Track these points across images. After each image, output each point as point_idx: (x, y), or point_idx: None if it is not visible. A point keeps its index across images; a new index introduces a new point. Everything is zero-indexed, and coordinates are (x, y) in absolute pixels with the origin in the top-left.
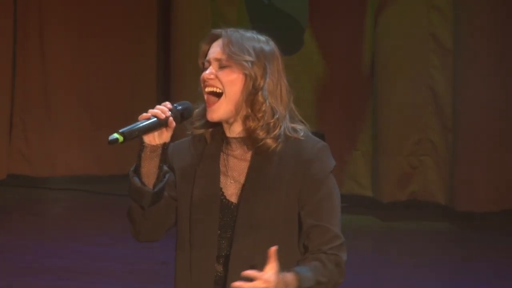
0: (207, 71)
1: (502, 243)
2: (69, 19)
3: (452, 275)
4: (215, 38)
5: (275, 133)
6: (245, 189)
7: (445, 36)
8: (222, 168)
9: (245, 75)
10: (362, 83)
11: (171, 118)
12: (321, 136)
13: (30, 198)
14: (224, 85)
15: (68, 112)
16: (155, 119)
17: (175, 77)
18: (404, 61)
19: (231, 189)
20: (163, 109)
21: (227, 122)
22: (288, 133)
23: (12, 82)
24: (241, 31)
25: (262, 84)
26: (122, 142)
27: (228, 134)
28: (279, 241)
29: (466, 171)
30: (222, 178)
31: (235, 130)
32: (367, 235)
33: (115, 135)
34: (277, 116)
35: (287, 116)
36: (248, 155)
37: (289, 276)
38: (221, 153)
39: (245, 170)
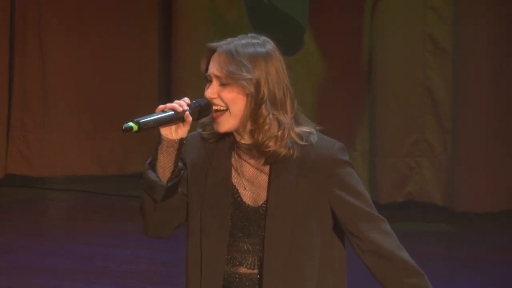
0: (209, 90)
1: (502, 243)
2: (68, 19)
3: (451, 276)
4: (213, 51)
5: (283, 142)
6: (270, 203)
7: (442, 36)
8: (234, 166)
9: (248, 95)
10: (361, 83)
11: (187, 113)
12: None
13: (30, 198)
14: (227, 103)
15: (68, 112)
16: (172, 112)
17: (175, 77)
18: (401, 62)
19: (246, 192)
20: (180, 103)
21: (236, 131)
22: (299, 140)
23: (9, 82)
24: (236, 41)
25: (264, 97)
26: (136, 132)
27: (238, 140)
28: (312, 239)
29: (465, 171)
30: (234, 176)
31: (245, 137)
32: None
33: (130, 124)
34: (283, 126)
35: (293, 122)
36: (261, 163)
37: None
38: (233, 153)
39: (262, 179)
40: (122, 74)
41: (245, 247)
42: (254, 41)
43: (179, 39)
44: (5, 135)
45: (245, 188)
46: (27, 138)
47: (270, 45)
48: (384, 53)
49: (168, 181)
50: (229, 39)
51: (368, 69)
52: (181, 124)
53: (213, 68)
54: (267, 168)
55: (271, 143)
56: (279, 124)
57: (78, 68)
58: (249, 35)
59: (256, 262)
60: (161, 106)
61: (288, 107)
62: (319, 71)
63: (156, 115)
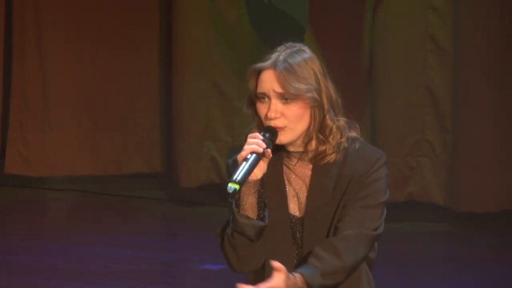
0: (271, 110)
1: (502, 243)
2: (67, 19)
3: (451, 276)
4: (260, 70)
5: (340, 148)
6: (309, 208)
7: (443, 36)
8: (285, 178)
9: (312, 107)
10: (361, 83)
11: (269, 150)
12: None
13: (30, 198)
14: (291, 121)
15: (67, 112)
16: (255, 155)
17: (176, 78)
18: (402, 62)
19: (292, 203)
20: (258, 143)
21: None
22: (346, 145)
23: (4, 82)
24: (282, 56)
25: (326, 106)
26: (239, 190)
27: (289, 148)
28: None
29: (465, 171)
30: (287, 189)
31: (297, 144)
32: None
33: (233, 187)
34: (345, 133)
35: (345, 124)
36: (307, 169)
37: (296, 277)
38: (283, 166)
39: (304, 184)
40: (122, 74)
41: (292, 254)
42: (295, 49)
43: (179, 39)
44: (5, 136)
45: (293, 199)
46: (26, 138)
47: (307, 48)
48: (384, 53)
49: (258, 218)
50: (273, 56)
51: (369, 69)
52: (261, 161)
53: (273, 85)
54: (309, 172)
55: (332, 151)
56: (341, 131)
57: (78, 68)
58: (285, 45)
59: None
60: (243, 154)
61: (340, 107)
62: None
63: (246, 165)
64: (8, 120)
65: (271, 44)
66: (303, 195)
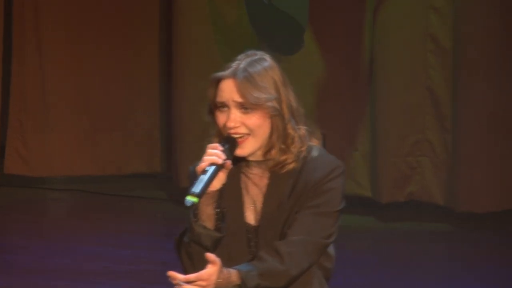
0: (231, 119)
1: (502, 243)
2: (67, 19)
3: (451, 276)
4: (219, 79)
5: (300, 157)
6: (264, 215)
7: (443, 36)
8: (243, 187)
9: (273, 116)
10: (361, 83)
11: (228, 162)
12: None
13: (29, 198)
14: (252, 129)
15: (67, 112)
16: (214, 166)
17: (175, 77)
18: (402, 62)
19: (249, 212)
20: (217, 154)
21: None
22: (305, 154)
23: (3, 82)
24: (242, 65)
25: (287, 115)
26: (198, 202)
27: (249, 158)
28: None
29: (465, 171)
30: (244, 198)
31: (257, 154)
32: (366, 235)
33: (191, 200)
34: (305, 141)
35: (306, 132)
36: (265, 177)
37: (231, 272)
38: (241, 175)
39: (261, 193)
40: (121, 74)
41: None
42: (255, 58)
43: (179, 39)
44: (4, 135)
45: (250, 208)
46: (26, 138)
47: (267, 57)
48: (385, 52)
49: (216, 228)
50: (233, 64)
51: (369, 68)
52: (220, 172)
53: (231, 95)
54: (265, 182)
55: (291, 160)
56: (302, 140)
57: (77, 68)
58: (246, 53)
59: None
60: (202, 165)
61: (302, 115)
62: (319, 71)
63: (204, 178)
64: (8, 120)
65: (271, 44)
66: (260, 203)
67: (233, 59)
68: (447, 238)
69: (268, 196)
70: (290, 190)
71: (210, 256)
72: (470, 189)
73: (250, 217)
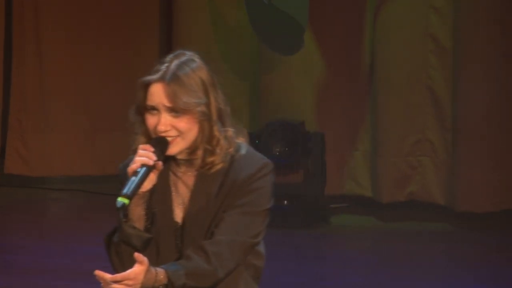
0: (161, 123)
1: (502, 243)
2: (66, 19)
3: (452, 276)
4: (148, 83)
5: (227, 158)
6: (190, 213)
7: (444, 36)
8: (172, 185)
9: (201, 120)
10: (362, 83)
11: (159, 162)
12: (320, 136)
13: (29, 198)
14: (181, 132)
15: (67, 112)
16: (145, 168)
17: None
18: (403, 62)
19: (178, 210)
20: (148, 155)
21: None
22: (233, 152)
23: (5, 82)
24: (172, 67)
25: (214, 118)
26: (129, 204)
27: (177, 156)
28: None
29: (465, 171)
30: (174, 196)
31: (184, 152)
32: (366, 235)
33: (121, 201)
34: (232, 143)
35: (233, 132)
36: (193, 176)
37: (159, 271)
38: (170, 173)
39: (190, 192)
40: (121, 74)
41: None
42: (183, 59)
43: (179, 39)
44: (4, 135)
45: (178, 206)
46: (25, 138)
47: (196, 57)
48: (385, 52)
49: (145, 229)
50: (162, 67)
51: (369, 68)
52: (151, 173)
53: (161, 99)
54: (193, 181)
55: (219, 161)
56: (228, 142)
57: (77, 68)
58: (174, 54)
59: None
60: (133, 166)
61: (229, 116)
62: (319, 71)
63: (135, 179)
64: (8, 120)
65: (271, 44)
66: (188, 202)
67: (160, 61)
68: (447, 238)
69: (195, 195)
70: (218, 189)
71: (138, 255)
72: (470, 189)
73: (179, 216)
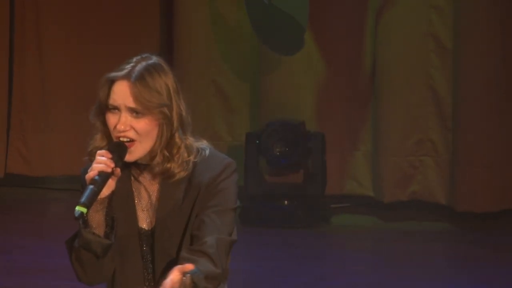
0: (121, 123)
1: (502, 243)
2: (66, 20)
3: (452, 275)
4: (112, 81)
5: (188, 166)
6: (159, 219)
7: (445, 36)
8: (134, 189)
9: (162, 123)
10: (363, 83)
11: (118, 169)
12: (320, 136)
13: (30, 198)
14: (141, 134)
15: (67, 112)
16: (103, 174)
17: (176, 77)
18: (404, 61)
19: (142, 215)
20: (106, 162)
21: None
22: (194, 158)
23: (9, 82)
24: (137, 68)
25: (175, 123)
26: (87, 212)
27: (136, 160)
28: None
29: (466, 171)
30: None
31: (145, 158)
32: (368, 235)
33: (79, 210)
34: (192, 151)
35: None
36: (156, 182)
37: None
38: (131, 178)
39: (153, 197)
40: None
41: (140, 266)
42: (150, 62)
43: (179, 39)
44: (5, 135)
45: (142, 211)
46: (26, 138)
47: (163, 62)
48: (386, 52)
49: (105, 235)
50: (127, 66)
51: (371, 68)
52: (110, 180)
53: (124, 99)
54: (156, 187)
55: (179, 169)
56: (188, 150)
57: (77, 68)
58: (142, 56)
59: (151, 281)
60: (90, 174)
61: (189, 124)
62: (320, 70)
63: (93, 187)
64: (10, 120)
65: (271, 44)
66: (153, 208)
67: (127, 61)
68: (448, 238)
69: (161, 201)
70: (183, 194)
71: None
72: (471, 189)
73: (143, 221)
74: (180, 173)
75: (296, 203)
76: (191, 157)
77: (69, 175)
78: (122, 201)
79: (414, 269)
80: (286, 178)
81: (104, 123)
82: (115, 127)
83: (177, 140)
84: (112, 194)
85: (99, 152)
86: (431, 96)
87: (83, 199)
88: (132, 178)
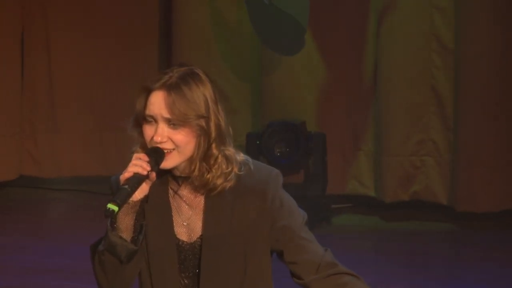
0: (158, 134)
1: (502, 243)
2: (74, 23)
3: (452, 275)
4: (150, 90)
5: (229, 177)
6: (206, 232)
7: (447, 36)
8: (172, 203)
9: (199, 135)
10: (365, 83)
11: (153, 173)
12: (321, 136)
13: (29, 198)
14: (178, 145)
15: (74, 113)
16: (138, 177)
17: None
18: (406, 61)
19: (183, 230)
20: (142, 164)
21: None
22: (239, 171)
23: (21, 85)
24: (174, 78)
25: (213, 135)
26: (118, 211)
27: (175, 172)
28: (249, 280)
29: (467, 171)
30: (173, 214)
31: (181, 168)
32: (369, 234)
33: (110, 207)
34: (231, 162)
35: (234, 152)
36: (198, 196)
37: None
38: (169, 190)
39: (195, 211)
40: (128, 74)
41: (183, 282)
42: (188, 72)
43: (179, 40)
44: (18, 136)
45: (182, 225)
46: (36, 139)
47: (201, 72)
48: (388, 52)
49: (132, 240)
50: (165, 76)
51: (373, 68)
52: (144, 183)
53: (161, 110)
54: (201, 200)
55: (220, 181)
56: (228, 160)
57: (85, 69)
58: (180, 65)
59: None
60: (125, 174)
61: (230, 135)
62: (321, 70)
63: (127, 187)
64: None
65: (272, 44)
66: (195, 222)
67: (165, 70)
68: (449, 238)
69: (207, 214)
70: (231, 209)
71: None
72: (471, 189)
73: (183, 235)
74: (223, 184)
75: (297, 204)
76: (232, 168)
77: (77, 176)
78: (158, 212)
79: (415, 269)
80: (287, 178)
81: (142, 134)
82: (152, 138)
83: (214, 151)
84: (145, 200)
85: (136, 155)
86: (433, 96)
87: (115, 198)
88: (171, 190)
